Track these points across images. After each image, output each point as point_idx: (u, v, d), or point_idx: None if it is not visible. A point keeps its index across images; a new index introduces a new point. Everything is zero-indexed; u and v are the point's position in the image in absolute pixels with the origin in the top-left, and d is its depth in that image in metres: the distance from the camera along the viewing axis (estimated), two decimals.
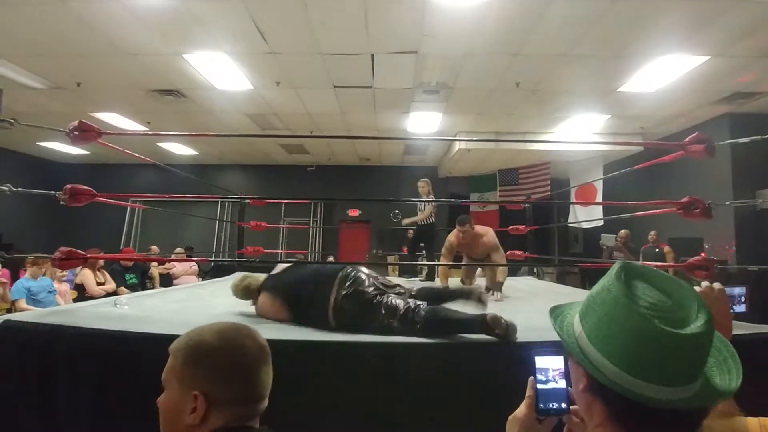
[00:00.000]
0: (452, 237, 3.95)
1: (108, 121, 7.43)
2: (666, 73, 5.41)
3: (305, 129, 8.10)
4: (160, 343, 1.98)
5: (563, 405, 0.78)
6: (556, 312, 0.78)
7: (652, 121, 7.34)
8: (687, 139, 2.65)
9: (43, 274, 4.81)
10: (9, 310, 4.40)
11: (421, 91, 6.27)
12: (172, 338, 1.96)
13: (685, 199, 2.56)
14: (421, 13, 4.26)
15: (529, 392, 0.79)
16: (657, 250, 6.68)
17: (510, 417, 0.80)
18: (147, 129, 7.99)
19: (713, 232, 6.78)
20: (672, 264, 4.28)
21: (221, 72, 5.61)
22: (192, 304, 3.06)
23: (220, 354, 0.90)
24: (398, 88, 6.17)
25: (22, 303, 4.46)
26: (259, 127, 8.02)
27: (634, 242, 7.12)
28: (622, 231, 7.13)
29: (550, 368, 0.80)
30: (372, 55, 5.18)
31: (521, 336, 2.14)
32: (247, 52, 5.11)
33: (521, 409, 0.79)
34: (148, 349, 1.93)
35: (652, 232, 6.80)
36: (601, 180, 8.24)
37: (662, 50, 4.87)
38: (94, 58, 5.28)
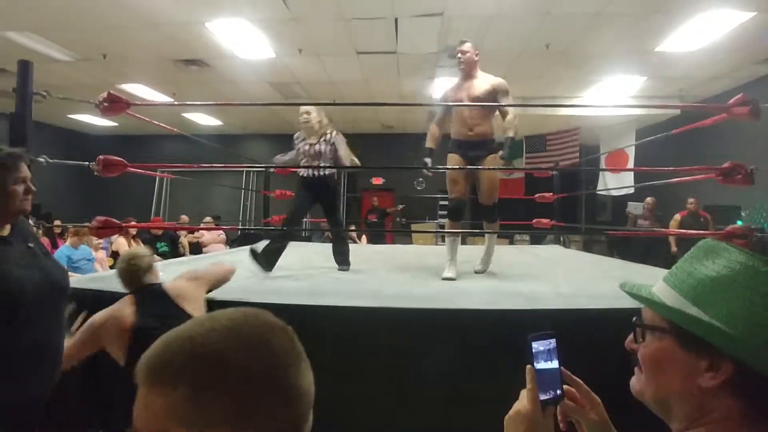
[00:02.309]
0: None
1: (134, 92, 7.51)
2: (708, 31, 5.08)
3: (328, 97, 8.02)
4: None
5: (558, 391, 0.73)
6: (628, 287, 0.69)
7: (691, 82, 6.97)
8: (731, 101, 2.52)
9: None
10: None
11: (447, 56, 6.08)
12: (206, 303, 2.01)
13: (725, 165, 2.46)
14: None
15: (530, 384, 0.72)
16: (702, 219, 6.03)
17: (510, 414, 0.72)
18: (172, 100, 8.05)
19: (751, 199, 6.50)
20: (709, 232, 4.14)
21: (243, 40, 5.56)
22: None
23: None
24: (423, 52, 6.00)
25: None
26: (283, 96, 7.98)
27: (663, 210, 6.90)
28: (649, 198, 6.82)
29: (546, 351, 0.73)
30: (396, 19, 5.03)
31: (548, 303, 2.13)
32: (268, 18, 5.03)
33: (524, 404, 0.71)
34: None
35: (692, 199, 6.19)
36: (633, 146, 7.95)
37: (705, 5, 4.55)
38: (119, 30, 5.29)
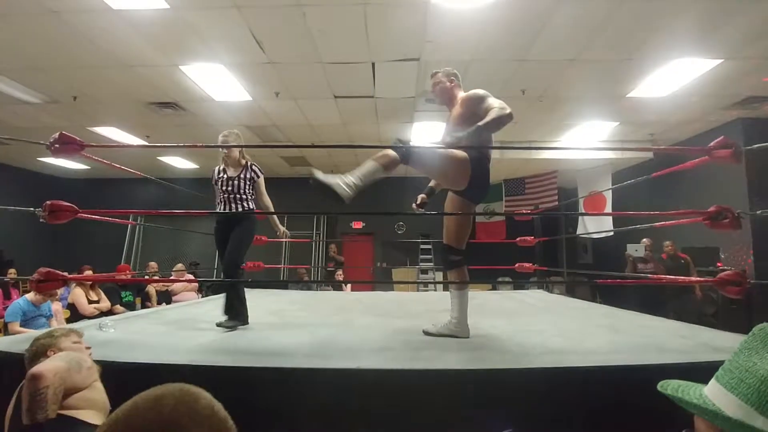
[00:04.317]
0: None
1: (107, 135, 7.33)
2: (677, 78, 5.23)
3: (306, 140, 7.97)
4: (142, 372, 1.82)
5: None
6: (672, 389, 0.61)
7: (662, 127, 7.14)
8: (711, 144, 2.48)
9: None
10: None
11: (424, 100, 6.13)
12: (155, 367, 1.78)
13: (712, 209, 2.37)
14: (423, 18, 4.13)
15: None
16: (682, 261, 6.09)
17: None
18: (146, 143, 7.88)
19: (728, 240, 6.54)
20: (700, 279, 4.02)
21: (219, 83, 5.49)
22: (182, 327, 2.89)
23: None
24: (400, 97, 6.02)
25: (15, 326, 4.25)
26: (260, 139, 7.90)
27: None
28: (645, 239, 6.45)
29: None
30: (373, 64, 5.04)
31: (537, 361, 1.95)
32: (244, 63, 4.99)
33: None
34: (129, 378, 1.75)
35: (668, 242, 6.21)
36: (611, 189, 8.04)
37: (673, 54, 4.71)
38: (89, 71, 5.17)
